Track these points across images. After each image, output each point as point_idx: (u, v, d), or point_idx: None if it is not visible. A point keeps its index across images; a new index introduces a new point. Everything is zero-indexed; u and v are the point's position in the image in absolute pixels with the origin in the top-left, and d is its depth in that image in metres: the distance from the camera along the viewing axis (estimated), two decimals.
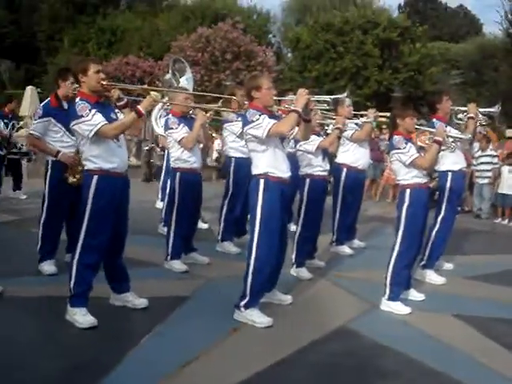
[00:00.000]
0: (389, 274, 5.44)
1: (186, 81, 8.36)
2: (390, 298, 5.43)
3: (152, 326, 4.64)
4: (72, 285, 4.61)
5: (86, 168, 4.67)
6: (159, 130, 8.34)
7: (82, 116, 4.47)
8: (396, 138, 5.42)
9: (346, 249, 7.59)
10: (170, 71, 8.23)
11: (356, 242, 7.94)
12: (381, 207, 11.41)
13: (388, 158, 12.47)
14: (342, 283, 6.26)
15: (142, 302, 5.02)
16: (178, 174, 6.27)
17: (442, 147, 5.54)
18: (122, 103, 4.73)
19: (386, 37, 29.23)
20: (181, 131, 6.17)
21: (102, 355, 4.14)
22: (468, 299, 5.98)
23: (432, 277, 6.46)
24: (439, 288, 6.26)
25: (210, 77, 23.09)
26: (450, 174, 6.41)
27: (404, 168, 5.38)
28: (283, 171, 4.84)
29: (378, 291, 5.68)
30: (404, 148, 5.32)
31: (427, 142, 5.65)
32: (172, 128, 6.22)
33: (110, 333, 4.59)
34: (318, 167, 6.28)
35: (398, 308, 5.38)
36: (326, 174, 6.47)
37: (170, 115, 6.44)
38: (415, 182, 5.40)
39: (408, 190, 5.39)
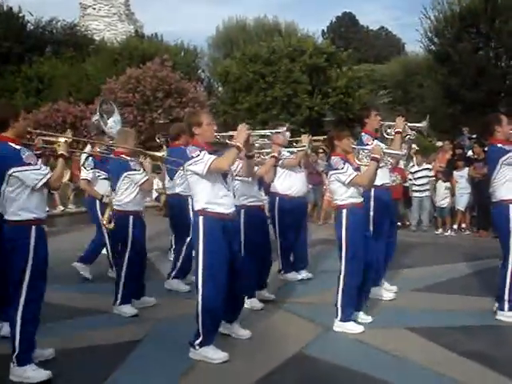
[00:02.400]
0: (339, 296, 5.47)
1: (114, 123, 8.22)
2: (342, 319, 5.46)
3: (107, 373, 4.52)
4: (17, 342, 4.39)
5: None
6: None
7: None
8: (334, 158, 5.53)
9: (294, 275, 7.56)
10: (98, 113, 8.09)
11: (303, 273, 7.64)
12: (325, 230, 11.51)
13: (327, 180, 12.76)
14: (295, 309, 6.25)
15: None
16: (131, 217, 6.17)
17: (380, 164, 5.65)
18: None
19: (313, 63, 29.85)
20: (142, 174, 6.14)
21: None
22: (418, 311, 6.08)
23: (380, 292, 6.52)
24: (389, 302, 6.34)
25: (142, 116, 22.99)
26: (372, 189, 6.25)
27: (342, 188, 5.47)
28: (224, 206, 4.80)
29: (331, 313, 5.72)
30: (342, 168, 5.43)
31: (364, 160, 5.76)
32: (135, 169, 6.15)
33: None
34: (252, 197, 6.21)
35: (351, 328, 5.42)
36: (261, 203, 6.40)
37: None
38: (351, 201, 5.49)
39: (344, 211, 5.48)
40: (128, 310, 6.11)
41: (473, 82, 26.76)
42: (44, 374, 4.35)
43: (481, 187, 10.86)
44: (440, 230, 11.38)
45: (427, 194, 11.63)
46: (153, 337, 5.43)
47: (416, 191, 11.75)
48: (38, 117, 22.50)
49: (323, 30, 58.46)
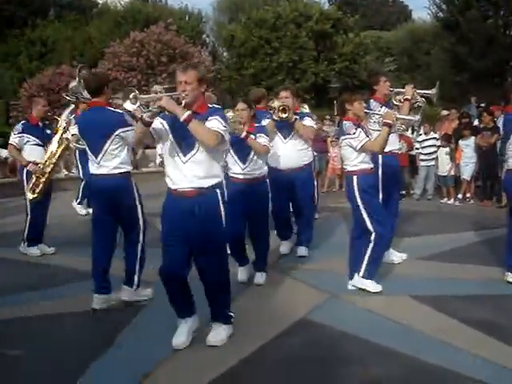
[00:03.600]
0: (367, 255, 5.51)
1: None
2: (365, 276, 5.54)
3: (113, 336, 4.57)
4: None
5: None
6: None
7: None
8: (346, 123, 5.51)
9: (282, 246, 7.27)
10: (77, 78, 7.95)
11: (302, 250, 7.11)
12: (328, 197, 11.49)
13: (331, 149, 12.70)
14: (300, 276, 6.26)
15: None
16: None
17: (392, 129, 5.63)
18: None
19: (319, 29, 29.58)
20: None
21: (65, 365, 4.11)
22: (422, 279, 6.09)
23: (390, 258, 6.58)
24: (394, 270, 6.35)
25: (147, 81, 22.83)
26: (380, 156, 6.15)
27: (353, 153, 5.46)
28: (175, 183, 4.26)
29: (336, 281, 5.82)
30: (354, 133, 5.41)
31: (374, 125, 5.78)
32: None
33: (71, 344, 4.57)
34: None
35: (370, 285, 5.52)
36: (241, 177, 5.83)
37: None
38: (361, 167, 5.49)
39: (355, 177, 5.47)
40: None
41: (481, 50, 26.48)
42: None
43: (487, 156, 10.83)
44: (444, 199, 11.35)
45: (434, 163, 11.58)
46: (157, 302, 5.43)
47: (423, 160, 11.69)
48: (41, 80, 22.38)
49: None
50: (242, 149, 5.63)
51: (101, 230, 5.27)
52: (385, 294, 5.54)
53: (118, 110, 5.25)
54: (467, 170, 11.16)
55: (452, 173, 11.36)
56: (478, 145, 11.00)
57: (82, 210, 10.21)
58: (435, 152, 11.57)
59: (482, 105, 16.96)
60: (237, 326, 4.63)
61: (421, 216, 9.65)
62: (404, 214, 9.00)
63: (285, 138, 6.74)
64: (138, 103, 4.05)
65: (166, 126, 4.21)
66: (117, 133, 5.11)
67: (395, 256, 6.64)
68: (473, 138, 11.12)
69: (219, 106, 4.45)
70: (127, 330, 4.77)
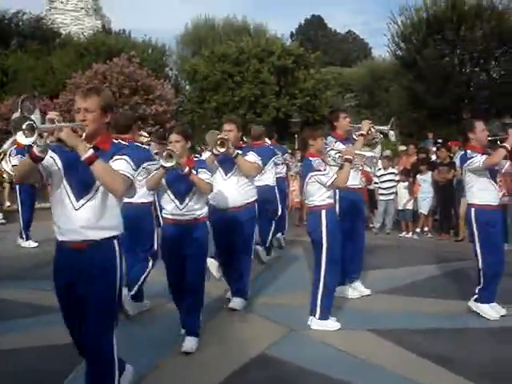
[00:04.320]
0: (319, 296, 5.53)
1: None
2: (322, 318, 5.53)
3: (68, 372, 4.43)
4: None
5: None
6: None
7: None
8: (316, 160, 5.60)
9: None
10: (19, 110, 7.87)
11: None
12: (288, 231, 11.50)
13: (291, 182, 12.75)
14: (258, 310, 6.22)
15: None
16: None
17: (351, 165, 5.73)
18: None
19: (281, 64, 29.95)
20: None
21: None
22: (382, 313, 6.11)
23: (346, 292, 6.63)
24: (353, 304, 6.36)
25: None
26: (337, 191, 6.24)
27: (321, 189, 5.55)
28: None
29: (295, 315, 5.78)
30: (324, 170, 5.54)
31: (331, 161, 5.87)
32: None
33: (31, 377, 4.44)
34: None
35: (331, 325, 5.53)
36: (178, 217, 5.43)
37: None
38: (329, 202, 5.61)
39: (324, 211, 5.55)
40: None
41: (438, 88, 27.15)
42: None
43: (444, 191, 11.04)
44: (403, 233, 11.50)
45: (392, 197, 11.75)
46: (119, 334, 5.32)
47: (382, 194, 11.84)
48: (1, 110, 22.07)
49: (292, 32, 58.73)
50: (180, 186, 5.12)
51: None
52: (344, 328, 5.53)
53: (145, 146, 6.40)
54: (425, 205, 11.35)
55: (410, 207, 11.53)
56: (434, 180, 11.21)
57: (31, 243, 10.15)
58: (394, 187, 11.75)
59: (439, 141, 17.35)
60: (191, 362, 4.55)
61: (380, 250, 9.73)
62: (365, 247, 9.06)
63: (226, 174, 6.17)
64: (35, 137, 3.03)
65: (59, 164, 3.47)
66: (144, 166, 5.55)
67: (351, 291, 6.69)
68: (430, 173, 11.34)
69: (125, 143, 4.24)
70: None
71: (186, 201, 5.14)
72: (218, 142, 5.82)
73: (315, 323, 5.55)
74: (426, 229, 11.49)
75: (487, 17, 27.30)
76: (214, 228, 5.86)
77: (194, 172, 5.05)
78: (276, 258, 8.91)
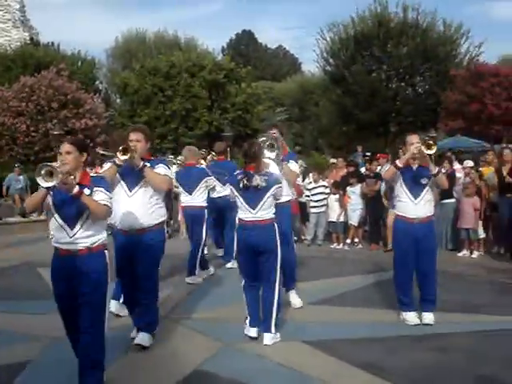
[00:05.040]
0: (274, 308, 5.59)
1: None
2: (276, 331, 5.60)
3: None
4: None
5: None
6: None
7: None
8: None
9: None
10: None
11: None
12: None
13: None
14: (192, 325, 6.20)
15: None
16: None
17: None
18: None
19: (213, 79, 30.06)
20: None
21: None
22: (314, 324, 6.19)
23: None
24: (285, 315, 6.41)
25: (36, 127, 22.23)
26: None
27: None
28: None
29: (229, 329, 5.84)
30: None
31: None
32: None
33: None
34: None
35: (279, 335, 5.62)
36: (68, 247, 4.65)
37: None
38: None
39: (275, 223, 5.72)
40: None
41: (366, 102, 27.91)
42: None
43: (373, 203, 11.33)
44: (334, 244, 11.70)
45: (323, 209, 11.94)
46: (45, 358, 5.21)
47: (313, 207, 12.02)
48: None
49: (223, 47, 59.11)
50: (70, 209, 4.27)
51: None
52: (279, 340, 5.57)
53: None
54: (354, 216, 11.59)
55: (342, 219, 11.75)
56: (363, 192, 11.48)
57: None
58: (325, 199, 11.95)
59: (368, 154, 17.78)
60: (126, 379, 4.49)
61: (312, 261, 9.85)
62: (297, 259, 9.15)
63: (130, 190, 5.45)
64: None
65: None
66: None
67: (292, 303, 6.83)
68: (359, 185, 11.61)
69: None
70: None
71: (77, 227, 4.29)
72: (121, 149, 5.22)
73: (271, 338, 5.53)
74: (356, 240, 11.74)
75: (412, 34, 28.31)
76: (116, 253, 5.48)
77: (88, 191, 4.27)
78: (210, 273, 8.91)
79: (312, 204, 12.05)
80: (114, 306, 6.21)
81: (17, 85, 23.17)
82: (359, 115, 28.00)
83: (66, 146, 4.37)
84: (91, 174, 4.52)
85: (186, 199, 8.65)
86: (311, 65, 57.67)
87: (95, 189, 4.31)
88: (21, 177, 17.63)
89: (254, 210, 5.51)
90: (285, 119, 36.81)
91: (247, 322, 5.66)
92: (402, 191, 6.10)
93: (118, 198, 5.36)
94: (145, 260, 5.42)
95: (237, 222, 5.73)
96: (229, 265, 9.22)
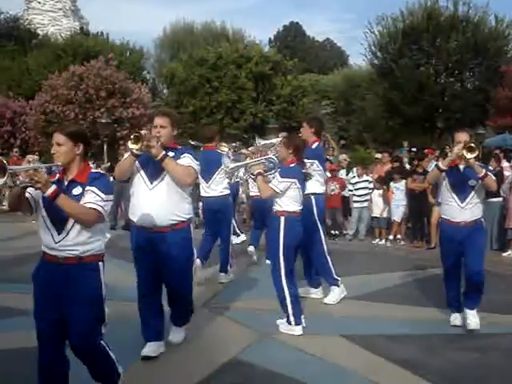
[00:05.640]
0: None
1: None
2: (291, 322, 5.62)
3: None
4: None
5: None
6: None
7: None
8: None
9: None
10: None
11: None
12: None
13: None
14: (232, 314, 6.25)
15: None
16: None
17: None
18: None
19: (259, 70, 30.08)
20: None
21: None
22: (353, 318, 6.18)
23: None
24: (325, 309, 6.44)
25: (84, 115, 22.61)
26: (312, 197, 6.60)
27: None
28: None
29: (268, 320, 5.82)
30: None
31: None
32: None
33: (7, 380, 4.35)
34: None
35: (297, 330, 5.59)
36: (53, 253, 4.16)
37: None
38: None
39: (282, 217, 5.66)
40: None
41: (413, 96, 27.50)
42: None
43: (417, 199, 11.18)
44: (376, 240, 11.62)
45: (366, 204, 11.87)
46: None
47: (356, 202, 11.96)
48: None
49: (270, 39, 58.99)
50: (55, 212, 3.63)
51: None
52: (316, 333, 5.59)
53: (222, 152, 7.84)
54: (398, 212, 11.48)
55: (385, 214, 11.66)
56: (408, 188, 11.35)
57: None
58: (368, 194, 11.87)
59: (414, 149, 17.56)
60: (164, 365, 4.57)
61: (353, 256, 9.83)
62: (337, 254, 9.14)
63: (151, 182, 4.79)
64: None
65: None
66: (222, 166, 7.31)
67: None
68: (403, 181, 11.48)
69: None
70: None
71: (65, 231, 3.65)
72: (132, 137, 4.59)
73: (287, 328, 5.62)
74: (398, 236, 11.63)
75: (462, 28, 27.74)
76: (135, 253, 4.99)
77: (79, 190, 3.67)
78: (249, 264, 8.96)
79: (355, 198, 12.00)
80: None
81: (66, 73, 23.59)
82: (405, 110, 27.62)
83: (56, 136, 3.74)
84: (93, 171, 3.84)
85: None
86: (358, 58, 57.07)
87: (87, 188, 3.65)
88: None
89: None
90: (330, 112, 36.63)
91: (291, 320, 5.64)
92: (447, 194, 5.74)
93: (138, 191, 4.84)
94: (172, 266, 4.84)
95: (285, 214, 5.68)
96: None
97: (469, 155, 5.38)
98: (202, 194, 7.95)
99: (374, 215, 11.82)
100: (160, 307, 5.07)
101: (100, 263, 3.78)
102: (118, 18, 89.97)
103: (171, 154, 4.75)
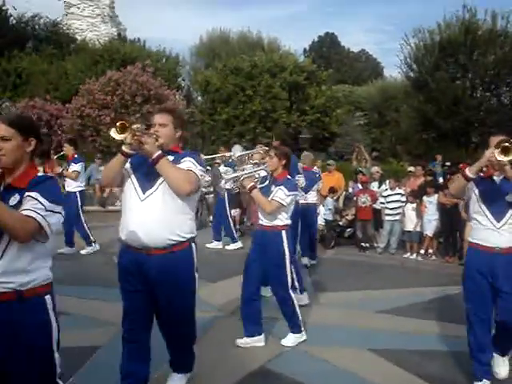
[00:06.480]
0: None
1: None
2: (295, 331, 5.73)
3: (66, 377, 4.48)
4: None
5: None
6: None
7: None
8: None
9: None
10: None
11: None
12: None
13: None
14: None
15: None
16: None
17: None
18: None
19: (293, 80, 30.13)
20: None
21: None
22: (381, 332, 6.14)
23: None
24: (353, 322, 6.40)
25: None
26: None
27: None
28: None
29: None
30: None
31: None
32: None
33: None
34: None
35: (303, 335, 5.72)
36: None
37: None
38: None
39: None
40: None
41: (448, 110, 27.22)
42: None
43: (450, 214, 11.06)
44: (407, 254, 11.52)
45: (398, 218, 11.77)
46: (113, 344, 5.37)
47: (388, 215, 11.87)
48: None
49: (305, 49, 59.12)
50: None
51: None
52: (343, 346, 5.58)
53: None
54: (430, 227, 11.36)
55: (418, 229, 11.55)
56: (440, 202, 11.23)
57: None
58: (400, 207, 11.78)
59: (448, 163, 17.37)
60: (194, 371, 4.59)
61: (383, 269, 9.76)
62: (367, 266, 9.10)
63: (143, 192, 3.87)
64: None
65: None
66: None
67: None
68: (436, 195, 11.37)
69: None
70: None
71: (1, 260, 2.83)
72: (118, 125, 3.72)
73: (294, 338, 5.69)
74: (430, 251, 11.50)
75: (500, 43, 27.43)
76: (121, 280, 4.03)
77: (16, 198, 2.85)
78: None
79: (387, 212, 11.91)
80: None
81: (103, 78, 23.95)
82: (440, 123, 27.36)
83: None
84: (39, 174, 2.98)
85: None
86: (393, 70, 56.85)
87: (26, 194, 2.82)
88: (101, 167, 18.20)
89: None
90: (363, 124, 36.46)
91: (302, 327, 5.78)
92: (478, 210, 4.61)
93: (127, 202, 3.93)
94: (169, 300, 3.94)
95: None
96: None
97: (502, 157, 4.17)
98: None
99: (406, 229, 11.72)
100: (147, 352, 4.11)
101: (47, 298, 2.93)
102: (155, 26, 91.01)
103: (170, 157, 3.88)
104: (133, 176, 3.93)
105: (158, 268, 3.82)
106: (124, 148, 3.78)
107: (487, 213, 4.54)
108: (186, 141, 21.66)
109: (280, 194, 5.44)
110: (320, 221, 12.21)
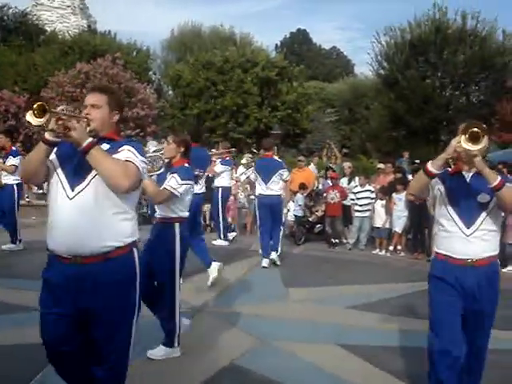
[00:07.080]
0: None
1: None
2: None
3: (35, 373, 4.41)
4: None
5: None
6: None
7: None
8: None
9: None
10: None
11: None
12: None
13: None
14: (230, 319, 6.23)
15: None
16: None
17: None
18: None
19: (265, 76, 30.14)
20: None
21: None
22: (351, 328, 6.17)
23: None
24: (323, 318, 6.41)
25: None
26: None
27: None
28: None
29: (267, 326, 5.84)
30: None
31: None
32: None
33: None
34: None
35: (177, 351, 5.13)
36: None
37: None
38: None
39: None
40: None
41: (418, 108, 27.53)
42: None
43: (418, 211, 11.16)
44: (377, 250, 11.60)
45: (368, 214, 11.85)
46: None
47: (358, 211, 11.95)
48: None
49: (276, 45, 59.16)
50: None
51: None
52: (313, 341, 5.58)
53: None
54: (399, 223, 11.46)
55: (387, 225, 11.64)
56: (409, 199, 11.32)
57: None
58: (370, 204, 11.86)
59: (417, 161, 17.51)
60: (161, 370, 4.57)
61: (353, 265, 9.81)
62: (337, 262, 9.14)
63: (72, 189, 3.16)
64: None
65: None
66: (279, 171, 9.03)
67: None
68: (405, 192, 11.45)
69: None
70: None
71: None
72: (35, 107, 2.95)
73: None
74: (399, 247, 11.60)
75: (470, 42, 27.80)
76: (43, 300, 3.32)
77: None
78: (249, 269, 8.96)
79: (357, 208, 11.98)
80: None
81: (72, 71, 23.67)
82: (410, 121, 27.66)
83: None
84: None
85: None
86: (364, 67, 57.13)
87: None
88: None
89: None
90: (334, 120, 36.67)
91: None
92: (444, 214, 3.85)
93: (54, 201, 3.21)
94: (104, 318, 3.18)
95: None
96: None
97: (470, 145, 3.48)
98: (261, 192, 9.33)
99: (375, 225, 11.80)
100: (88, 376, 3.33)
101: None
102: (126, 18, 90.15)
103: (106, 146, 3.24)
104: (59, 169, 3.19)
105: (92, 280, 3.11)
106: (46, 135, 3.04)
107: (455, 216, 3.78)
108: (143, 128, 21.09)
109: (172, 183, 4.87)
110: (290, 217, 12.24)
